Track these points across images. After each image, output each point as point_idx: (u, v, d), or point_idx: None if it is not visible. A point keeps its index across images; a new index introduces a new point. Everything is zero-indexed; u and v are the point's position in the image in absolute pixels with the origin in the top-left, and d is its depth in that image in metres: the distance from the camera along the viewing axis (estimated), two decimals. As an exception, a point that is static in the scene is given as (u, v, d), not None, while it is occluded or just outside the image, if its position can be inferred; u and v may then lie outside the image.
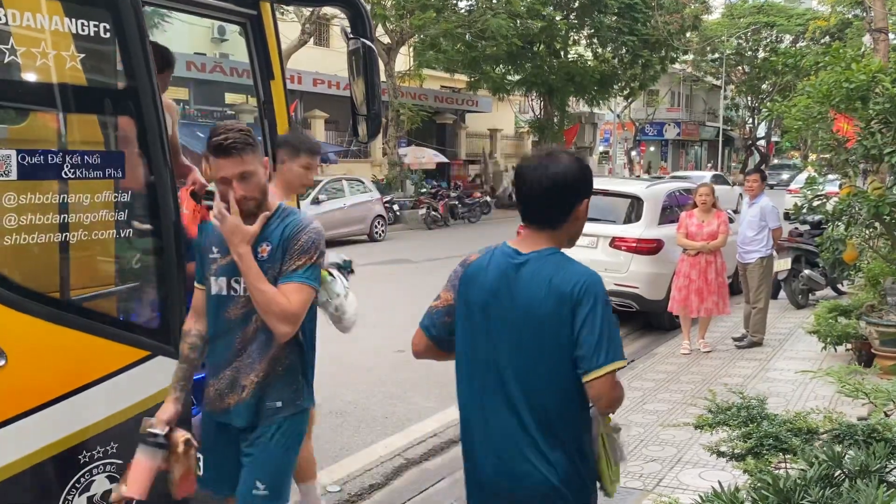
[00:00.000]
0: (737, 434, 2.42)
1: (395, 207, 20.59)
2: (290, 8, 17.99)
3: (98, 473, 2.86)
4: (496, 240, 2.24)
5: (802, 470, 1.70)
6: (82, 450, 2.80)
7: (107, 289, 3.02)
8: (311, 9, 18.22)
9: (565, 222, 2.11)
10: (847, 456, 1.75)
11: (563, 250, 2.12)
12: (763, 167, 49.16)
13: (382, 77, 23.95)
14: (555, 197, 2.08)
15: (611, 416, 2.16)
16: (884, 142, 5.74)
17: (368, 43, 3.83)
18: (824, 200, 6.04)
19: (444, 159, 26.20)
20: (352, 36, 3.84)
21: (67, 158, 2.69)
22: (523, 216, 2.16)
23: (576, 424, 2.09)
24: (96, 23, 2.72)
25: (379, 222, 17.76)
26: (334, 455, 4.93)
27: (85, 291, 2.93)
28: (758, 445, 2.30)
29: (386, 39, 22.24)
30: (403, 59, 25.08)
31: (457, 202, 22.20)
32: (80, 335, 2.77)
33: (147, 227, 3.03)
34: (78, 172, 2.72)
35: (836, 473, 1.68)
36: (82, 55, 2.71)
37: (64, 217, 2.72)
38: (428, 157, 24.98)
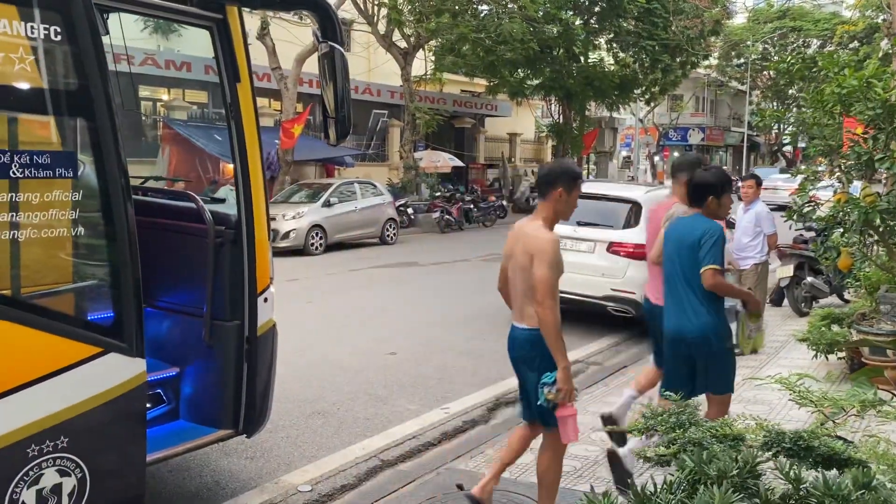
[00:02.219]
0: (664, 439, 2.40)
1: (410, 211, 20.63)
2: (306, 11, 18.18)
3: (48, 467, 2.92)
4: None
5: (670, 474, 1.69)
6: (31, 444, 2.85)
7: (59, 286, 3.08)
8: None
9: (705, 200, 4.14)
10: (713, 461, 1.73)
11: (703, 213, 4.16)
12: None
13: (400, 82, 23.94)
14: (695, 188, 4.21)
15: (758, 314, 4.50)
16: (875, 148, 5.65)
17: (338, 47, 3.87)
18: (813, 206, 5.95)
19: (459, 163, 26.17)
20: (322, 40, 3.88)
21: (16, 158, 2.76)
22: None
23: (710, 298, 4.07)
24: (46, 26, 2.79)
25: (391, 225, 17.81)
26: (311, 455, 4.96)
27: (37, 289, 3.00)
28: (680, 451, 2.29)
29: (403, 44, 22.33)
30: (420, 64, 25.13)
31: (471, 206, 22.18)
32: (28, 331, 2.84)
33: (101, 226, 3.09)
34: (28, 172, 2.79)
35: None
36: (31, 57, 2.78)
37: (14, 216, 2.78)
38: (443, 160, 24.98)
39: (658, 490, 1.54)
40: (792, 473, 1.68)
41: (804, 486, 1.63)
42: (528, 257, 3.54)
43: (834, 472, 2.34)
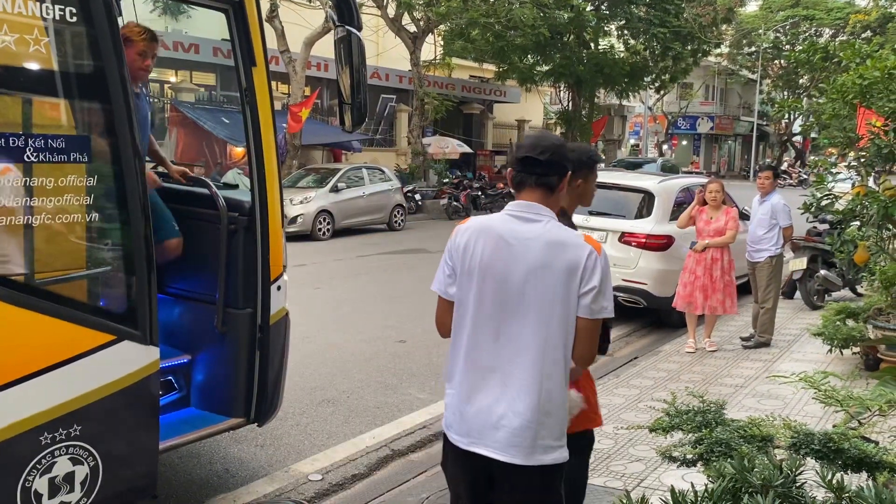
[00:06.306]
0: (689, 439, 2.35)
1: (418, 197, 20.54)
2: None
3: (60, 455, 2.88)
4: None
5: (710, 481, 1.64)
6: (44, 432, 2.82)
7: (73, 273, 3.03)
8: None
9: None
10: (756, 468, 1.69)
11: None
12: (798, 163, 48.17)
13: (408, 66, 23.79)
14: None
15: None
16: (896, 141, 5.57)
17: (355, 31, 3.79)
18: (832, 199, 5.88)
19: (468, 149, 26.05)
20: (338, 24, 3.80)
21: (31, 142, 2.70)
22: None
23: None
24: (62, 7, 2.72)
25: (398, 211, 17.74)
26: (321, 444, 4.93)
27: (50, 275, 2.95)
28: (707, 452, 2.24)
29: (412, 28, 22.16)
30: (430, 48, 24.96)
31: (479, 193, 22.09)
32: (42, 318, 2.79)
33: (115, 211, 3.04)
34: (42, 156, 2.73)
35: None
36: (47, 38, 2.72)
37: (28, 200, 2.73)
38: (452, 147, 24.87)
39: (699, 498, 1.49)
40: (835, 482, 1.63)
41: (847, 494, 1.58)
42: None
43: (863, 475, 2.29)
